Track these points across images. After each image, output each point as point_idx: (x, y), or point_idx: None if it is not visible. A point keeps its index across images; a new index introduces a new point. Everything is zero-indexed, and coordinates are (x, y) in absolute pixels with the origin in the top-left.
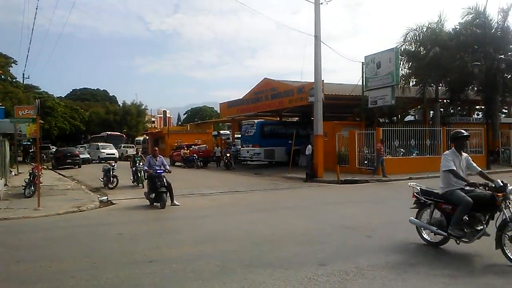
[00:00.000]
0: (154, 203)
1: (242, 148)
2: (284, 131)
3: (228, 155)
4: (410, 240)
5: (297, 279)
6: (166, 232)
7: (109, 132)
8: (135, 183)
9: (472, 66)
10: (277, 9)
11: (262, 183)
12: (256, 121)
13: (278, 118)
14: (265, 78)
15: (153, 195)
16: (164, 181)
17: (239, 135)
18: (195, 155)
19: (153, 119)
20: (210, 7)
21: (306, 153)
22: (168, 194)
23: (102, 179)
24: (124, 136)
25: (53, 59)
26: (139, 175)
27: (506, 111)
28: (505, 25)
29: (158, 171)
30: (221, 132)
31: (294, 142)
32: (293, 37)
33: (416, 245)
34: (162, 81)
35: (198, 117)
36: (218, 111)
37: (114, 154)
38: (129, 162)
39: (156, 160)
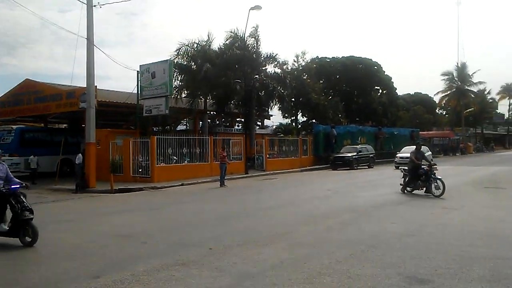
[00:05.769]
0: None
1: None
2: (50, 139)
3: None
4: (183, 241)
5: None
6: None
7: None
8: None
9: (234, 83)
10: (42, 4)
11: None
12: (14, 127)
13: (43, 124)
14: (26, 79)
15: (6, 225)
16: (25, 202)
17: None
18: None
19: None
20: None
21: (76, 162)
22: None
23: None
24: None
25: None
26: None
27: (260, 123)
28: (258, 49)
29: (12, 186)
30: None
31: (63, 151)
32: (61, 38)
33: (190, 246)
34: None
35: None
36: None
37: None
38: None
39: None
